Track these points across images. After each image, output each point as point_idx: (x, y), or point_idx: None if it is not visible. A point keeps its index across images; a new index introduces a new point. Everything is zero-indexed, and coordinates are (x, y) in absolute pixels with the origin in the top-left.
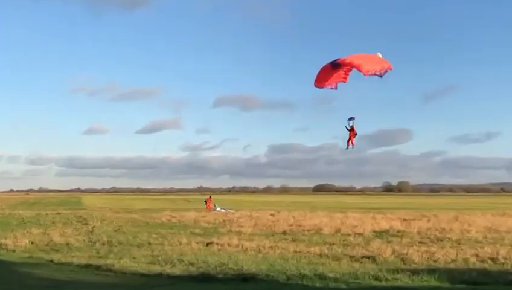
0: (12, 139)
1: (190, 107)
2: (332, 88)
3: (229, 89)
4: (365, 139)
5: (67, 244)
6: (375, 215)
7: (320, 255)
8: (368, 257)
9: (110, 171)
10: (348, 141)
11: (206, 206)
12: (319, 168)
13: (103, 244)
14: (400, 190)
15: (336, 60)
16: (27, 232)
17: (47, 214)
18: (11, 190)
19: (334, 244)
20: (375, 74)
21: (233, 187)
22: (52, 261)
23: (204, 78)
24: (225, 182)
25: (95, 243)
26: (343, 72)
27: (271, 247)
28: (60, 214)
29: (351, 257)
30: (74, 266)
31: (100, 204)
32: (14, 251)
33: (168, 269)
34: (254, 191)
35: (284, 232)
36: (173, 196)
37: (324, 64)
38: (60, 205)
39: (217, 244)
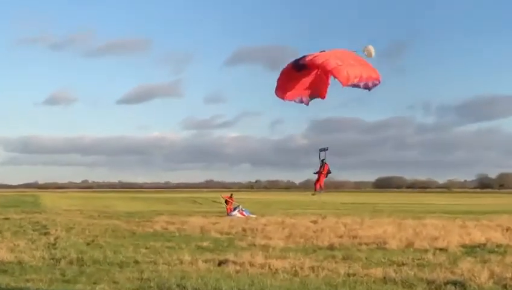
0: None
1: (195, 65)
2: (302, 102)
3: (251, 38)
4: (451, 111)
5: (20, 262)
6: (465, 223)
7: (385, 281)
8: (455, 284)
9: (81, 159)
10: (316, 182)
11: (226, 207)
12: (383, 153)
13: (71, 263)
14: (501, 186)
15: (300, 59)
16: None
17: None
18: None
19: (404, 264)
20: (358, 85)
21: (257, 181)
22: None
23: (216, 23)
24: (245, 174)
25: (59, 261)
26: (314, 77)
27: (312, 268)
28: (8, 219)
29: (430, 282)
30: None
31: (66, 205)
32: None
33: None
34: (287, 187)
35: (331, 247)
36: (171, 194)
37: (286, 65)
38: (8, 206)
39: (234, 263)
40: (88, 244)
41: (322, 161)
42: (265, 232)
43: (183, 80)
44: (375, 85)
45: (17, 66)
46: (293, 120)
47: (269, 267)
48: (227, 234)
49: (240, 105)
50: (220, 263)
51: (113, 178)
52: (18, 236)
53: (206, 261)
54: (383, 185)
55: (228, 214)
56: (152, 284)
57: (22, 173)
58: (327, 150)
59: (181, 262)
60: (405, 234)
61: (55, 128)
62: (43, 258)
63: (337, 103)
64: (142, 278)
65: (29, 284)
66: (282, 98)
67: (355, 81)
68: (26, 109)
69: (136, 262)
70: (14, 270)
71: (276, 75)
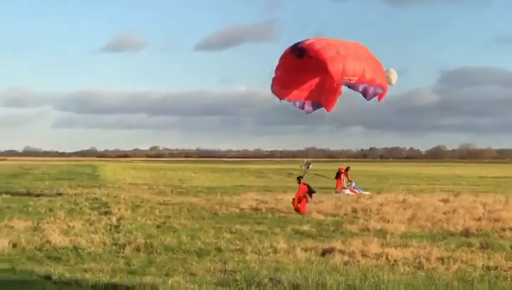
0: None
1: (292, 1)
2: (303, 110)
3: None
4: None
5: (76, 248)
6: None
7: None
8: None
9: (149, 120)
10: (301, 208)
11: (336, 182)
12: None
13: (137, 250)
14: None
15: (300, 43)
16: (5, 226)
17: (39, 195)
18: None
19: None
20: (355, 87)
21: (372, 149)
22: (49, 277)
23: None
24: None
25: (122, 247)
26: (320, 81)
27: (441, 259)
28: (61, 195)
29: None
30: (88, 287)
31: (131, 178)
32: None
33: None
34: (410, 156)
35: (467, 232)
36: (262, 165)
37: (284, 50)
38: (61, 178)
39: (341, 252)
40: (158, 227)
41: (299, 179)
42: (382, 214)
43: (278, 20)
44: (376, 94)
45: (70, 4)
46: (420, 70)
47: (386, 257)
48: (333, 215)
49: None
50: (324, 252)
51: (189, 144)
52: (73, 216)
53: (306, 249)
54: None
55: (336, 192)
56: (238, 278)
57: (77, 138)
58: (308, 167)
59: (275, 251)
60: None
61: (117, 82)
62: (104, 243)
63: (473, 45)
64: (225, 270)
65: (87, 275)
66: (279, 97)
67: (353, 80)
68: (81, 57)
69: (218, 250)
70: (68, 258)
71: (398, 12)
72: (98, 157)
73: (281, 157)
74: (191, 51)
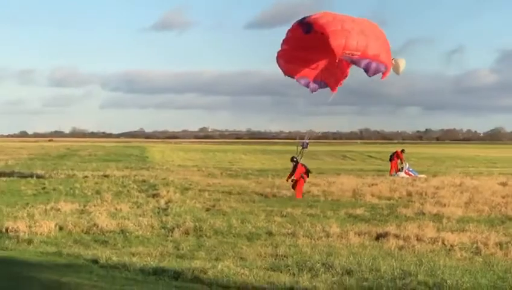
0: (24, 40)
1: None
2: (308, 88)
3: None
4: None
5: (123, 231)
6: None
7: None
8: None
9: (198, 100)
10: (296, 192)
11: (390, 165)
12: None
13: (186, 233)
14: None
15: (307, 17)
16: (52, 208)
17: (86, 176)
18: (23, 133)
19: None
20: (357, 62)
21: (427, 131)
22: (96, 261)
23: None
24: (412, 122)
25: (171, 230)
26: (329, 62)
27: (499, 244)
28: (108, 177)
29: None
30: (136, 271)
31: (180, 160)
32: (29, 241)
33: (305, 282)
34: (468, 138)
35: None
36: (314, 147)
37: (292, 25)
38: (108, 160)
39: (396, 237)
40: (208, 210)
41: (295, 160)
42: (438, 198)
43: None
44: (378, 71)
45: None
46: (478, 49)
47: (442, 242)
48: (388, 199)
49: (405, 29)
50: (378, 237)
51: (240, 125)
52: (121, 198)
53: (359, 233)
54: None
55: (391, 175)
56: (290, 262)
57: (125, 118)
58: (306, 147)
59: (327, 235)
60: None
61: (165, 61)
62: (152, 226)
63: None
64: (276, 255)
65: (134, 259)
66: (284, 72)
67: (356, 55)
68: (129, 36)
69: (269, 234)
70: (116, 241)
71: None
72: (146, 138)
73: (333, 139)
74: (241, 29)
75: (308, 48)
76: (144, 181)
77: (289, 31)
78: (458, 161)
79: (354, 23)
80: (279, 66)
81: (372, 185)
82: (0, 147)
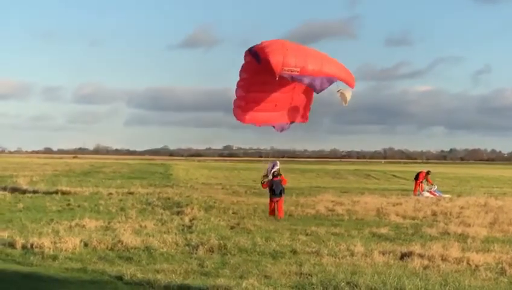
0: (49, 56)
1: None
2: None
3: None
4: None
5: (148, 248)
6: None
7: None
8: None
9: (224, 118)
10: (278, 211)
11: (414, 184)
12: None
13: (211, 251)
14: None
15: (254, 46)
16: (76, 225)
17: (110, 193)
18: (48, 150)
19: None
20: (299, 79)
21: (452, 151)
22: (121, 278)
23: None
24: (436, 141)
25: (195, 248)
26: (287, 95)
27: None
28: (132, 194)
29: None
30: (161, 288)
31: (204, 177)
32: (54, 257)
33: None
34: (492, 158)
35: None
36: (338, 165)
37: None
38: (132, 177)
39: (421, 256)
40: (232, 228)
41: (273, 173)
42: (462, 217)
43: (359, 16)
44: (324, 87)
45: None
46: (504, 68)
47: (467, 262)
48: (412, 218)
49: (432, 48)
50: (403, 256)
51: (263, 143)
52: (145, 215)
53: (384, 253)
54: None
55: (415, 194)
56: (314, 281)
57: (150, 136)
58: (277, 166)
59: (351, 254)
60: None
61: (192, 78)
62: (177, 244)
63: None
64: (301, 273)
65: (159, 276)
66: (240, 120)
67: (295, 72)
68: (157, 53)
69: (294, 252)
70: (140, 258)
71: (487, 7)
72: (170, 156)
73: (357, 158)
74: None
75: (264, 86)
76: (169, 198)
77: (242, 69)
78: (483, 181)
79: (298, 48)
80: (235, 116)
81: (397, 204)
82: (25, 163)
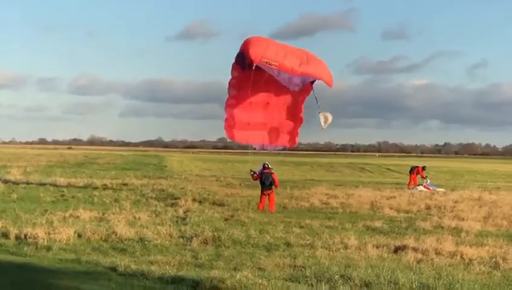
0: (45, 47)
1: None
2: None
3: None
4: None
5: (142, 240)
6: None
7: None
8: None
9: (219, 110)
10: (270, 205)
11: (409, 178)
12: None
13: (204, 243)
14: None
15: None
16: (70, 215)
17: (105, 185)
18: (42, 141)
19: None
20: (273, 72)
21: (446, 145)
22: (115, 269)
23: None
24: (431, 135)
25: (189, 239)
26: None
27: None
28: (126, 185)
29: None
30: (154, 280)
31: (199, 169)
32: (48, 248)
33: None
34: (486, 153)
35: None
36: (333, 159)
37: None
38: (127, 168)
39: (414, 250)
40: (226, 219)
41: (265, 168)
42: (456, 211)
43: (356, 9)
44: (300, 84)
45: None
46: (501, 63)
47: (461, 256)
48: (406, 212)
49: (429, 42)
50: (397, 250)
51: None
52: (139, 207)
53: (377, 246)
54: None
55: (409, 188)
56: (308, 273)
57: (144, 127)
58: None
59: (345, 247)
60: None
61: (188, 70)
62: (170, 235)
63: None
64: (295, 265)
65: (153, 268)
66: (230, 138)
67: (273, 65)
68: (153, 45)
69: (288, 245)
70: (134, 250)
71: (483, 2)
72: (164, 147)
73: (352, 151)
74: None
75: (252, 99)
76: (163, 190)
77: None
78: (477, 175)
79: (281, 45)
80: (226, 133)
81: (391, 197)
82: (20, 153)
